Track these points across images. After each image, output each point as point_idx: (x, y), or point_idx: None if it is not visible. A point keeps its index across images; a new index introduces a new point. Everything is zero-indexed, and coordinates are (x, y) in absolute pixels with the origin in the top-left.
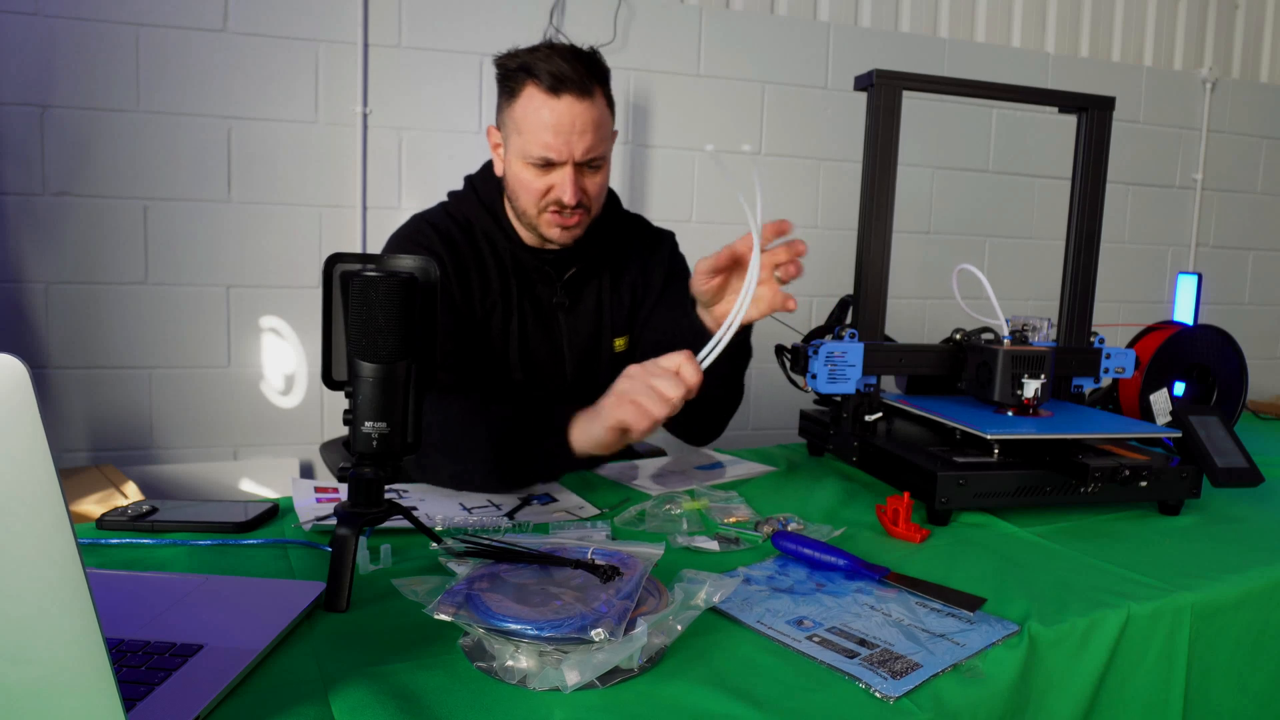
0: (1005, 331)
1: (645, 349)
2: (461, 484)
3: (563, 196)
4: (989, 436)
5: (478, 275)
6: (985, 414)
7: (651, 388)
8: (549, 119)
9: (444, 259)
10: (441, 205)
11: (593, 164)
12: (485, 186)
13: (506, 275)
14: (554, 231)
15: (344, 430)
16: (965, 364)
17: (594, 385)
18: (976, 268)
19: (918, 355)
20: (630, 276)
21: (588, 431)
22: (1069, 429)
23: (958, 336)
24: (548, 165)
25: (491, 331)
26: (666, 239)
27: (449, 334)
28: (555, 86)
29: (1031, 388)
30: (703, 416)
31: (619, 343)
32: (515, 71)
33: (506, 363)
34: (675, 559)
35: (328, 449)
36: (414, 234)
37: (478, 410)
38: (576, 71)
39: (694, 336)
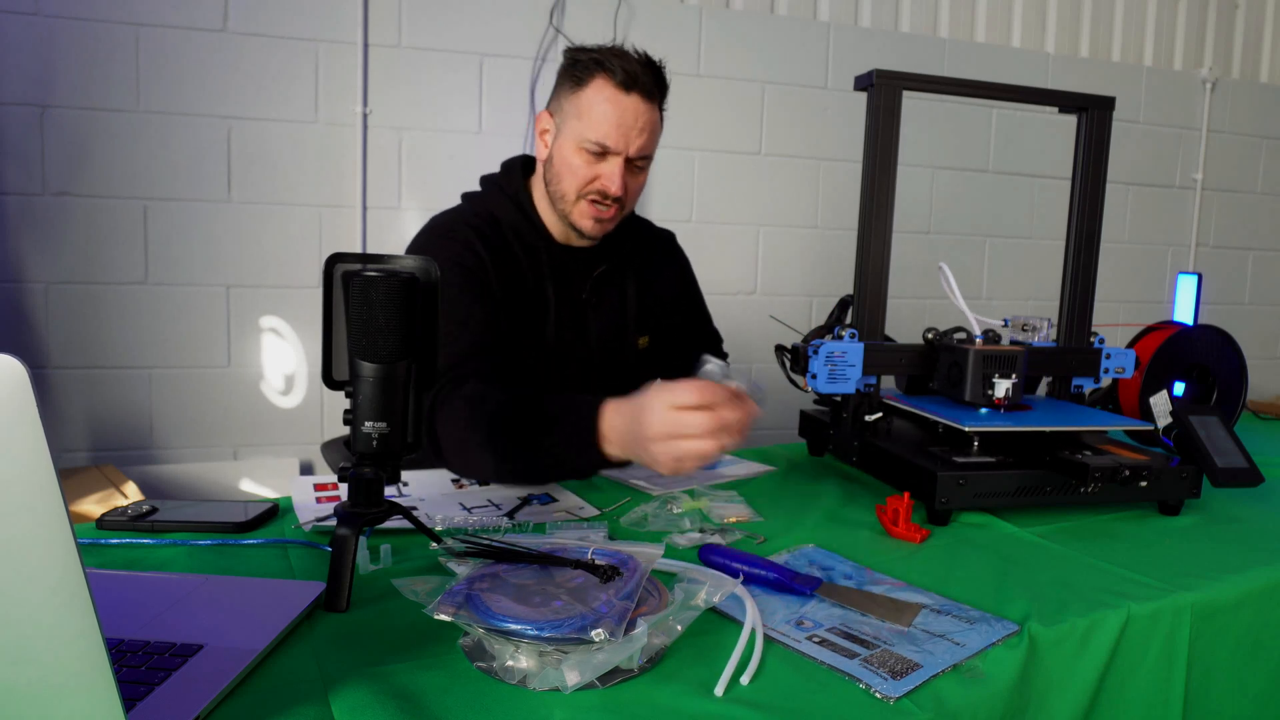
0: (977, 330)
1: (666, 349)
2: (503, 479)
3: (609, 186)
4: (966, 429)
5: (512, 271)
6: (970, 410)
7: (698, 455)
8: (613, 111)
9: (483, 255)
10: (464, 205)
11: (639, 163)
12: (510, 184)
13: (540, 271)
14: (587, 222)
15: (344, 430)
16: (937, 364)
17: (619, 382)
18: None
19: (913, 355)
20: (651, 277)
21: (625, 451)
22: (1049, 423)
23: (929, 336)
24: (601, 154)
25: (528, 328)
26: (671, 239)
27: (492, 327)
28: (627, 83)
29: (1002, 388)
30: None
31: (642, 341)
32: (587, 63)
33: (543, 358)
34: (676, 559)
35: (329, 449)
36: (450, 232)
37: (482, 399)
38: (647, 75)
39: (710, 340)
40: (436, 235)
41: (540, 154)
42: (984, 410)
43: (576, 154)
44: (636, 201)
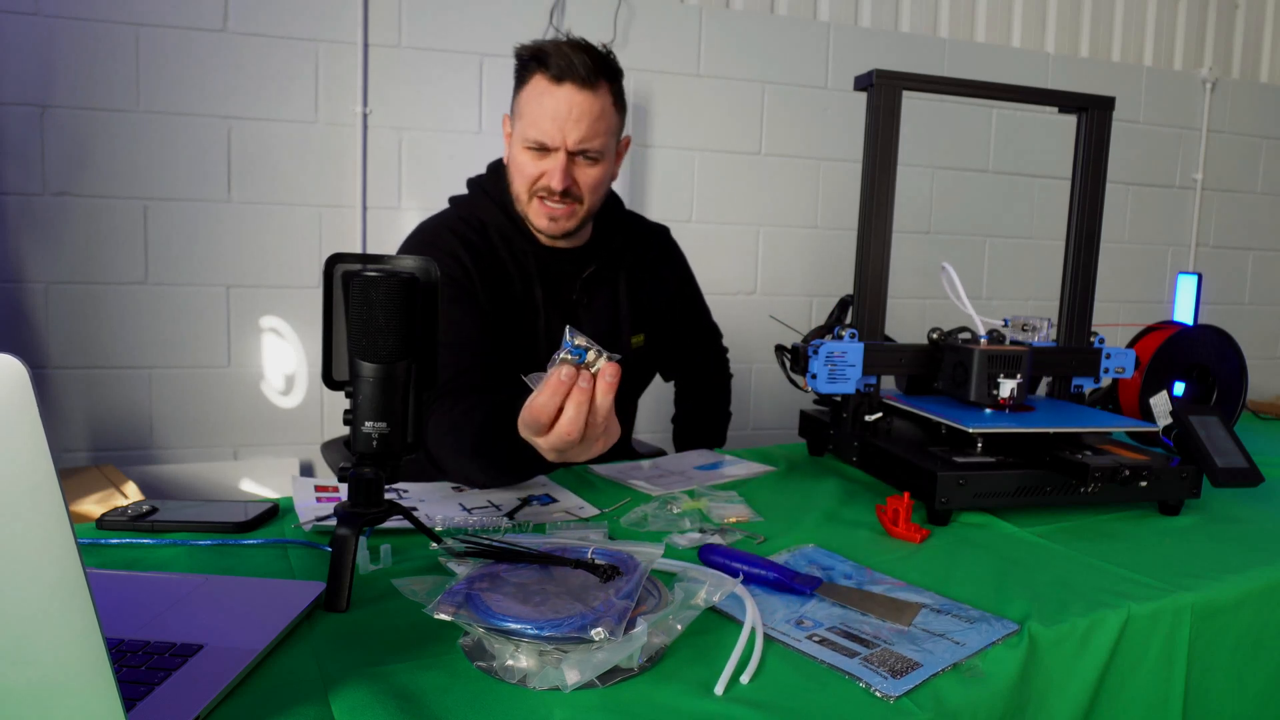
0: (981, 330)
1: (664, 345)
2: (471, 482)
3: (551, 182)
4: (970, 430)
5: (499, 276)
6: (972, 411)
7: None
8: (549, 105)
9: (467, 263)
10: (450, 210)
11: (587, 155)
12: (495, 187)
13: (528, 274)
14: (542, 221)
15: (344, 430)
16: (941, 364)
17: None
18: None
19: (916, 355)
20: (643, 274)
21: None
22: (1052, 423)
23: (934, 336)
24: (542, 150)
25: (518, 331)
26: (665, 233)
27: (480, 337)
28: (559, 75)
29: (1007, 387)
30: (694, 435)
31: (635, 340)
32: (528, 60)
33: (534, 361)
34: (676, 559)
35: (329, 449)
36: (434, 240)
37: (472, 409)
38: (584, 64)
39: (708, 336)
40: (423, 245)
41: (505, 158)
42: (988, 411)
43: (522, 153)
44: (598, 196)
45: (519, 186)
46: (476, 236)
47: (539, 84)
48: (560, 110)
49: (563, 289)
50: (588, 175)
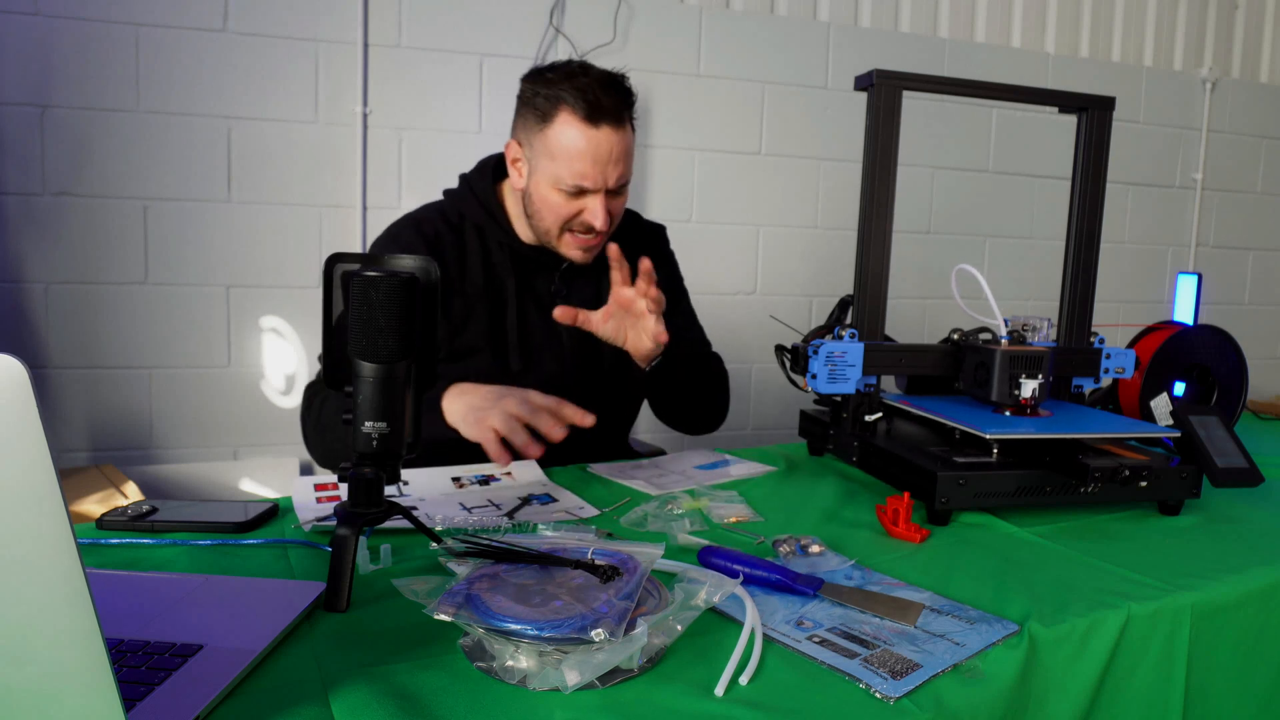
0: (1003, 331)
1: None
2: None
3: (594, 222)
4: (988, 436)
5: (457, 269)
6: (985, 414)
7: (513, 424)
8: (586, 149)
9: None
10: (435, 202)
11: (619, 187)
12: (480, 184)
13: (502, 267)
14: (575, 253)
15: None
16: (963, 364)
17: (595, 375)
18: (976, 267)
19: (918, 355)
20: (633, 273)
21: (451, 414)
22: (1069, 429)
23: (955, 337)
24: (579, 191)
25: (483, 323)
26: (660, 234)
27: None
28: (592, 116)
29: (1029, 388)
30: (683, 413)
31: None
32: (549, 96)
33: (504, 351)
34: (676, 559)
35: None
36: (396, 235)
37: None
38: (611, 100)
39: (680, 334)
40: (385, 238)
41: (515, 183)
42: (1008, 413)
43: (554, 193)
44: (620, 217)
45: (549, 222)
46: (447, 229)
47: (569, 124)
48: (601, 154)
49: (540, 280)
50: (617, 204)
